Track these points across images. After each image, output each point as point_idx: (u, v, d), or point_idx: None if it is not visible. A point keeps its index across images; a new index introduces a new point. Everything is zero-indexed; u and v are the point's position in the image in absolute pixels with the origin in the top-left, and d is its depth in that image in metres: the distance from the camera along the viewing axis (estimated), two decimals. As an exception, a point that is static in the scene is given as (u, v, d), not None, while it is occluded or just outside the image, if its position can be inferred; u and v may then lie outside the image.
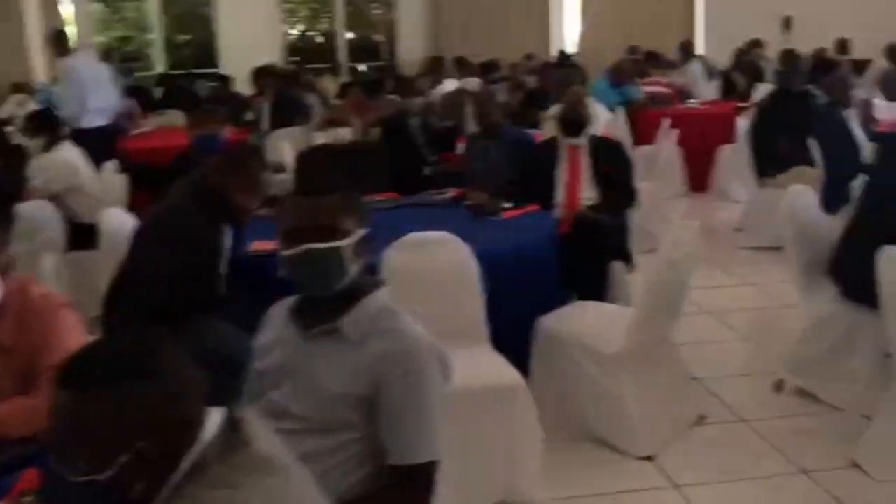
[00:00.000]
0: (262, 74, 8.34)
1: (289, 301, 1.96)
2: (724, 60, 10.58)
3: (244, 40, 11.26)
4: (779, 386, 3.79)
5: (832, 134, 5.38)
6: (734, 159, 6.90)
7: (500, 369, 3.00)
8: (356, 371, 1.79)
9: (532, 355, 3.46)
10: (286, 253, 1.83)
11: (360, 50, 13.42)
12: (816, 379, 3.66)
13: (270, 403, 1.84)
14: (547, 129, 4.76)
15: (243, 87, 9.24)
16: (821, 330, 3.70)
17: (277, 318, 1.96)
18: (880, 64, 8.86)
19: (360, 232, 1.87)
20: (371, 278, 1.98)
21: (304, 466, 1.46)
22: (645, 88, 9.12)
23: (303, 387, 1.82)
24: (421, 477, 1.78)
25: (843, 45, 10.56)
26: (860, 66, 9.38)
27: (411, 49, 12.39)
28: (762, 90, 7.73)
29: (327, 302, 1.85)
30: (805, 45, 10.18)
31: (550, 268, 3.67)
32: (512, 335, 3.32)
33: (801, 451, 3.28)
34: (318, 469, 1.66)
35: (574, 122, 4.49)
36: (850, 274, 3.49)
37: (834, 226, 3.80)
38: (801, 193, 3.91)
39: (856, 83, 7.07)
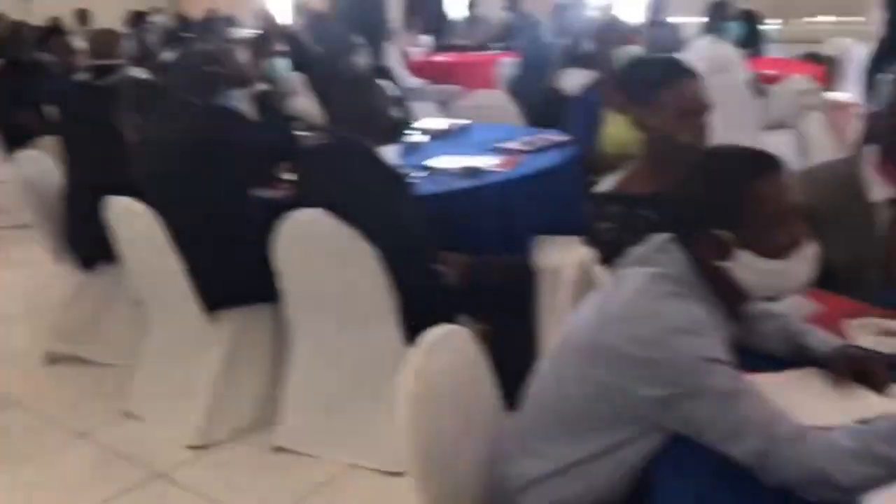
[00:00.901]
0: None
1: None
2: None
3: None
4: (51, 358, 3.76)
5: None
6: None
7: None
8: None
9: None
10: None
11: None
12: (84, 343, 3.73)
13: None
14: None
15: None
16: (79, 295, 3.77)
17: None
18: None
19: None
20: None
21: None
22: None
23: None
24: None
25: (82, 15, 10.72)
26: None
27: None
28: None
29: None
30: (44, 16, 10.06)
31: None
32: None
33: (81, 416, 3.31)
34: None
35: None
36: (77, 239, 3.62)
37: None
38: (35, 162, 3.82)
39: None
